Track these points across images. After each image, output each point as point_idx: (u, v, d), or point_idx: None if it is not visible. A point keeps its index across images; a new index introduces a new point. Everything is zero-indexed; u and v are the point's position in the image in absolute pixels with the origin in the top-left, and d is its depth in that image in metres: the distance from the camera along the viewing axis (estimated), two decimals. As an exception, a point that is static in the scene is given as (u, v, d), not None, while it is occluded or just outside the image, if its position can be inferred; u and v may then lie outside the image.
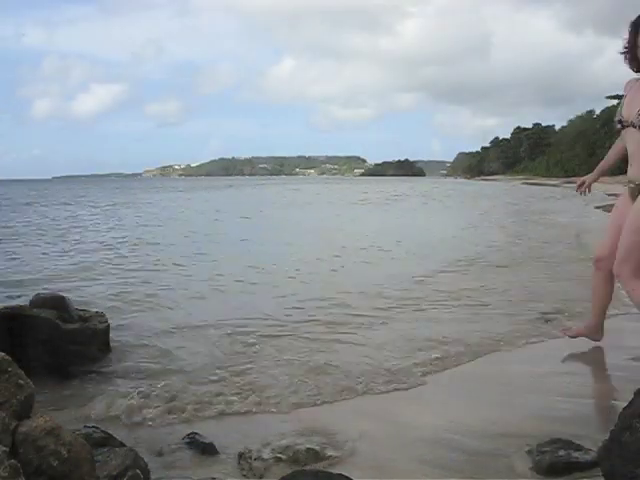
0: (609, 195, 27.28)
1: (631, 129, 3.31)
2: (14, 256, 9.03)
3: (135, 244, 10.68)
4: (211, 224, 15.50)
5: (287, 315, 4.92)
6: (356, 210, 21.38)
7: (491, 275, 6.81)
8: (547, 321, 4.60)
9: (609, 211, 4.60)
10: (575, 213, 17.80)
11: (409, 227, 14.37)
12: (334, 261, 8.19)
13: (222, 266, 7.87)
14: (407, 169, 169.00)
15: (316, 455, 2.38)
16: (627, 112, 3.35)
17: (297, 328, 4.49)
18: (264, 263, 7.95)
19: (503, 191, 39.66)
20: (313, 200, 29.75)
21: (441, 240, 10.88)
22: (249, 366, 3.62)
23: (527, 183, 55.70)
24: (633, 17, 3.27)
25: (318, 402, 3.07)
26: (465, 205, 23.94)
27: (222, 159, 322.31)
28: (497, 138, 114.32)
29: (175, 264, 8.02)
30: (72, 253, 9.48)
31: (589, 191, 3.82)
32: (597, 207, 19.72)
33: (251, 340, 4.19)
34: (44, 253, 9.55)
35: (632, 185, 3.42)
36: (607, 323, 3.78)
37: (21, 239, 11.70)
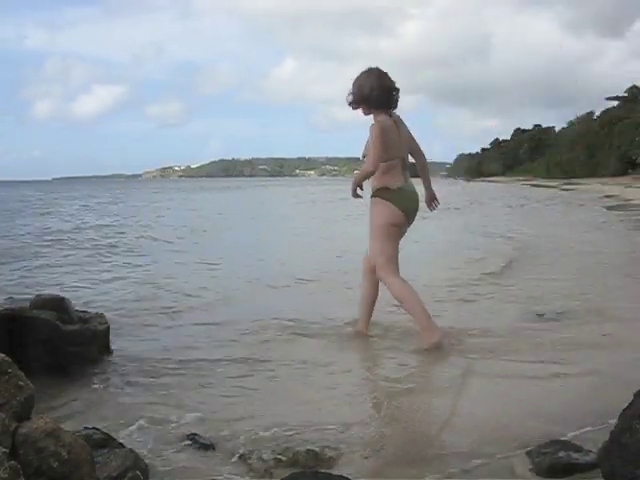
0: (607, 197, 27.35)
1: None
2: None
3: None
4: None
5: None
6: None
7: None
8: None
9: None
10: (596, 215, 17.58)
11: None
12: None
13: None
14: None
15: (316, 456, 2.38)
16: (365, 149, 4.09)
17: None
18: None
19: (514, 193, 38.95)
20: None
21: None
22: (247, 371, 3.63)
23: (532, 185, 55.43)
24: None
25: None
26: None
27: (222, 160, 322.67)
28: (497, 139, 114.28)
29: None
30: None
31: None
32: (609, 208, 19.82)
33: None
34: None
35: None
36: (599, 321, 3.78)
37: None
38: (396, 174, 4.00)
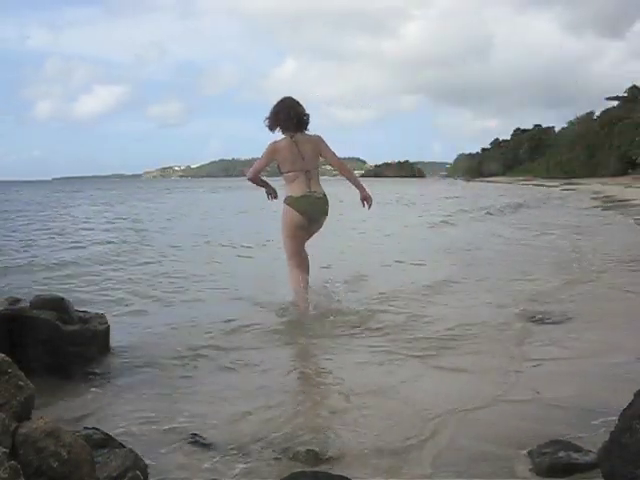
0: (604, 196, 27.29)
1: None
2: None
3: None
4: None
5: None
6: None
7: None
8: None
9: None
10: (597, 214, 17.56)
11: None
12: None
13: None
14: (407, 170, 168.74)
15: (316, 456, 2.38)
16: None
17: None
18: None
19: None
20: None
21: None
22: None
23: (534, 185, 55.05)
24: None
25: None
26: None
27: (222, 160, 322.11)
28: (497, 139, 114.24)
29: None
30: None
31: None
32: (604, 209, 19.78)
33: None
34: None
35: None
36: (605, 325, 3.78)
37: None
38: (298, 184, 4.82)
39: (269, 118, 4.88)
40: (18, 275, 7.27)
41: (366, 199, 5.09)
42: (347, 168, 5.27)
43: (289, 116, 4.80)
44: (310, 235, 5.00)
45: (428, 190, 46.43)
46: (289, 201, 4.85)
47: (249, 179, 4.94)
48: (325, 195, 4.93)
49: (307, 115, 4.89)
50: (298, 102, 4.90)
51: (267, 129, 4.91)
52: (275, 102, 4.89)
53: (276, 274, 5.64)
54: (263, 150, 4.87)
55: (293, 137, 4.82)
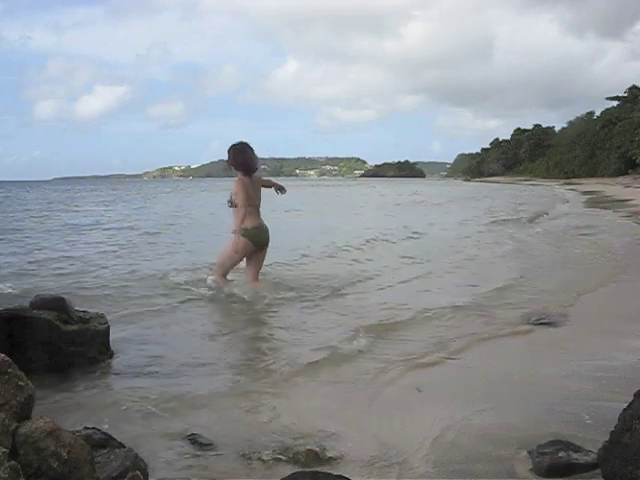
0: (603, 197, 27.28)
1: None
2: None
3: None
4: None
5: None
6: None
7: None
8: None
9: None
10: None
11: None
12: None
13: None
14: (407, 170, 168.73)
15: (316, 456, 2.38)
16: (230, 197, 5.95)
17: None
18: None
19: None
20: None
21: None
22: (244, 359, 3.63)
23: (533, 184, 54.85)
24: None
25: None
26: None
27: (222, 160, 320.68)
28: (497, 139, 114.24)
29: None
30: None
31: None
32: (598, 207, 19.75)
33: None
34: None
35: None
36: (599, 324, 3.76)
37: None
38: (251, 218, 5.82)
39: (236, 161, 5.89)
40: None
41: (280, 189, 6.21)
42: (272, 182, 6.43)
43: (253, 162, 5.94)
44: (262, 258, 6.00)
45: (432, 190, 46.18)
46: (244, 233, 5.84)
47: (244, 212, 5.69)
48: (266, 226, 5.97)
49: (258, 160, 6.07)
50: (253, 149, 5.99)
51: (231, 168, 5.92)
52: (236, 148, 5.89)
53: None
54: (238, 188, 5.75)
55: (251, 178, 5.90)
